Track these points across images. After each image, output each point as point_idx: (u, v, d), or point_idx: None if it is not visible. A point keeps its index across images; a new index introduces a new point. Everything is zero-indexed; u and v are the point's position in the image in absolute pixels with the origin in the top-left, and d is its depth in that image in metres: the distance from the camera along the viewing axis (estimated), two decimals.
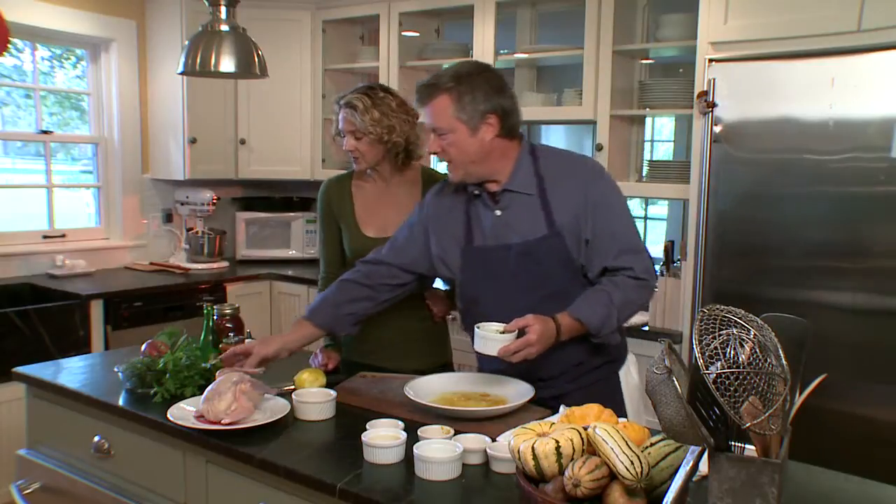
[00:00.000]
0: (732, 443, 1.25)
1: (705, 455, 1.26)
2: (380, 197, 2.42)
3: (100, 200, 4.37)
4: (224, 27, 2.56)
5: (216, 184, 4.43)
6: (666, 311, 3.19)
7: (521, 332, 1.79)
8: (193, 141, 4.20)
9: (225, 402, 1.75)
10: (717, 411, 1.22)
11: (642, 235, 7.67)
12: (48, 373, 2.22)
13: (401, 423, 1.72)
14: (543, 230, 1.93)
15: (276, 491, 1.64)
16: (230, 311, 2.37)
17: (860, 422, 2.62)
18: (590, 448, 1.36)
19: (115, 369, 2.08)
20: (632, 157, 3.65)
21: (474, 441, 1.62)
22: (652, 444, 1.38)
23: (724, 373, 1.18)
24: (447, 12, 4.18)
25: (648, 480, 1.31)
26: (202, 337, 2.19)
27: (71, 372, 2.24)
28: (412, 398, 1.87)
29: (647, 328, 3.18)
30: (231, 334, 2.31)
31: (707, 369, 1.18)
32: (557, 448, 1.35)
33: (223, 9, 2.56)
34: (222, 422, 1.73)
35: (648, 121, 3.84)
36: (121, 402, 1.97)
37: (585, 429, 1.39)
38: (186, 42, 2.62)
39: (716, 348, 1.20)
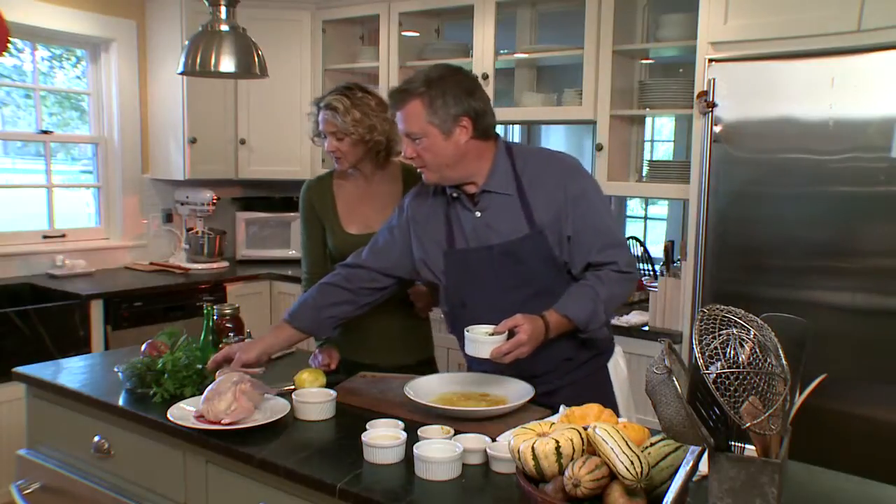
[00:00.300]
0: (732, 443, 1.25)
1: (705, 455, 1.26)
2: (361, 194, 2.45)
3: (100, 200, 4.37)
4: (224, 27, 2.56)
5: (216, 184, 4.43)
6: (666, 311, 3.19)
7: (511, 333, 1.80)
8: (193, 141, 4.20)
9: (225, 402, 1.75)
10: (717, 411, 1.22)
11: (642, 236, 7.68)
12: (48, 373, 2.22)
13: (401, 423, 1.72)
14: (524, 229, 1.94)
15: (276, 491, 1.64)
16: (230, 311, 2.37)
17: (860, 422, 2.62)
18: (590, 448, 1.36)
19: (115, 369, 2.08)
20: (632, 157, 3.65)
21: (474, 441, 1.62)
22: (652, 444, 1.38)
23: (724, 373, 1.18)
24: (447, 12, 4.18)
25: (648, 480, 1.31)
26: (202, 337, 2.19)
27: (71, 372, 2.24)
28: (412, 398, 1.87)
29: (647, 328, 3.18)
30: (231, 334, 2.31)
31: (707, 369, 1.18)
32: (557, 448, 1.35)
33: (223, 9, 2.56)
34: (222, 422, 1.73)
35: (648, 121, 3.85)
36: (121, 402, 1.97)
37: (585, 429, 1.39)
38: (186, 42, 2.62)
39: (716, 348, 1.20)
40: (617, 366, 2.12)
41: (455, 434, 1.67)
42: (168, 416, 1.80)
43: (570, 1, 3.72)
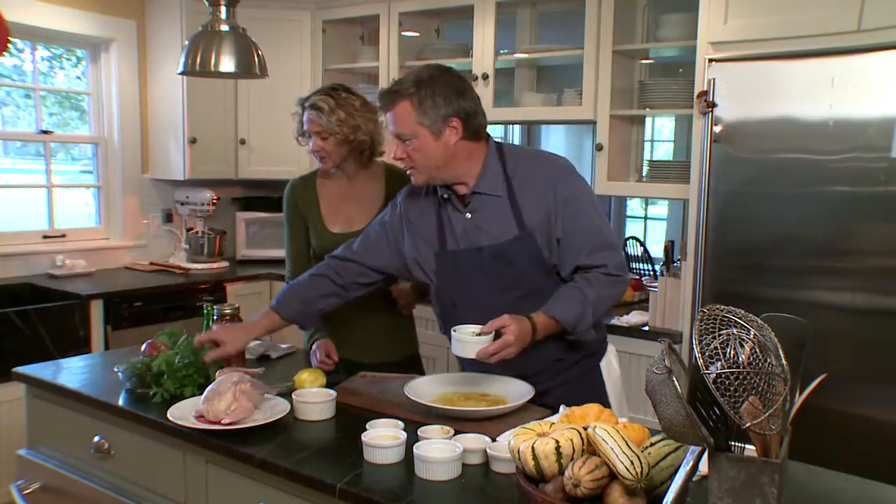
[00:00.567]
0: (732, 443, 1.25)
1: (705, 455, 1.26)
2: (344, 194, 2.48)
3: (100, 200, 4.37)
4: (224, 27, 2.56)
5: (216, 184, 4.43)
6: (666, 311, 3.19)
7: (499, 333, 1.80)
8: (193, 141, 4.20)
9: (225, 402, 1.75)
10: (717, 411, 1.22)
11: (642, 236, 7.68)
12: (48, 373, 2.22)
13: (401, 423, 1.72)
14: (514, 231, 1.94)
15: (276, 491, 1.64)
16: (230, 311, 2.36)
17: (860, 422, 2.62)
18: (590, 448, 1.36)
19: (115, 369, 2.08)
20: (632, 157, 3.65)
21: (474, 441, 1.62)
22: (652, 444, 1.38)
23: (724, 373, 1.18)
24: (447, 12, 4.18)
25: (648, 480, 1.31)
26: None
27: (71, 372, 2.24)
28: (412, 398, 1.87)
29: (647, 328, 3.17)
30: None
31: (707, 369, 1.18)
32: (557, 448, 1.35)
33: (223, 9, 2.56)
34: (222, 422, 1.73)
35: (648, 121, 3.85)
36: (121, 402, 1.97)
37: (585, 429, 1.39)
38: (186, 42, 2.62)
39: (716, 348, 1.20)
40: (609, 365, 2.13)
41: (455, 434, 1.67)
42: (168, 416, 1.80)
43: (570, 1, 3.72)
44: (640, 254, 6.52)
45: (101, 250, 4.24)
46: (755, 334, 1.23)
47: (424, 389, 1.95)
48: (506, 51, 3.89)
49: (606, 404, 2.02)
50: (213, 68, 2.55)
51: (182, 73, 2.67)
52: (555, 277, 1.98)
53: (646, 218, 8.22)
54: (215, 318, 2.25)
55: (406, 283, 2.47)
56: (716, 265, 2.91)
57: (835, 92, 2.60)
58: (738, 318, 1.25)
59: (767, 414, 1.17)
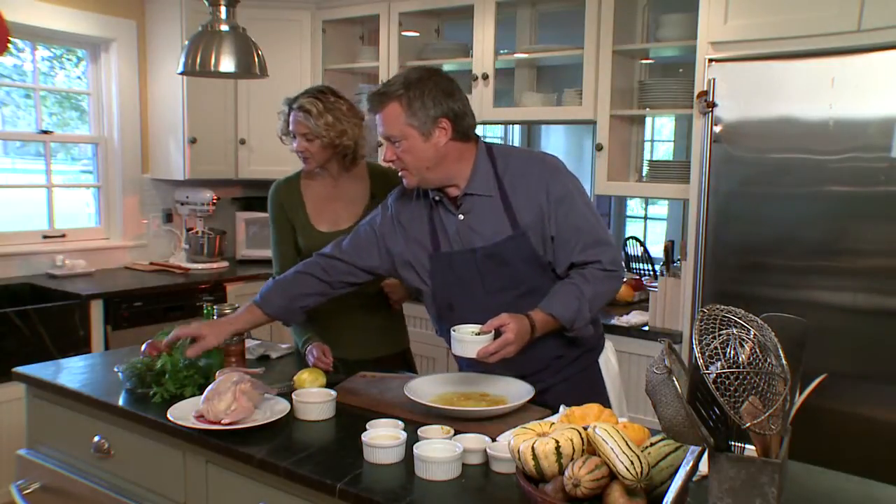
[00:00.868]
0: (732, 443, 1.25)
1: (705, 455, 1.26)
2: (329, 193, 2.50)
3: (100, 200, 4.37)
4: (224, 27, 2.56)
5: (216, 184, 4.43)
6: (666, 311, 3.19)
7: (498, 332, 1.80)
8: (193, 141, 4.20)
9: (225, 402, 1.75)
10: (717, 411, 1.22)
11: (642, 236, 7.68)
12: (48, 373, 2.22)
13: (401, 423, 1.72)
14: (508, 231, 1.94)
15: (276, 491, 1.64)
16: (230, 311, 2.36)
17: (860, 422, 2.62)
18: (590, 448, 1.37)
19: (115, 369, 2.08)
20: (632, 157, 3.65)
21: (474, 441, 1.62)
22: (652, 444, 1.38)
23: (724, 373, 1.18)
24: (447, 12, 4.18)
25: (648, 480, 1.31)
26: None
27: (71, 372, 2.24)
28: (412, 398, 1.87)
29: (647, 328, 3.17)
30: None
31: (707, 369, 1.18)
32: (557, 448, 1.35)
33: (223, 9, 2.56)
34: (222, 422, 1.73)
35: (648, 121, 3.85)
36: (121, 403, 1.97)
37: (585, 429, 1.39)
38: (186, 42, 2.62)
39: (716, 348, 1.20)
40: (608, 361, 2.14)
41: (455, 434, 1.67)
42: (168, 416, 1.80)
43: (570, 1, 3.72)
44: (640, 254, 6.52)
45: (101, 250, 4.23)
46: (755, 334, 1.23)
47: (424, 389, 1.95)
48: (506, 51, 3.89)
49: (606, 400, 2.04)
50: (213, 68, 2.55)
51: (182, 73, 2.67)
52: (550, 275, 1.98)
53: (646, 218, 8.22)
54: (215, 317, 2.25)
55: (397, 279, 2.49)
56: (716, 265, 2.91)
57: (835, 92, 2.60)
58: (738, 318, 1.25)
59: (767, 414, 1.17)
